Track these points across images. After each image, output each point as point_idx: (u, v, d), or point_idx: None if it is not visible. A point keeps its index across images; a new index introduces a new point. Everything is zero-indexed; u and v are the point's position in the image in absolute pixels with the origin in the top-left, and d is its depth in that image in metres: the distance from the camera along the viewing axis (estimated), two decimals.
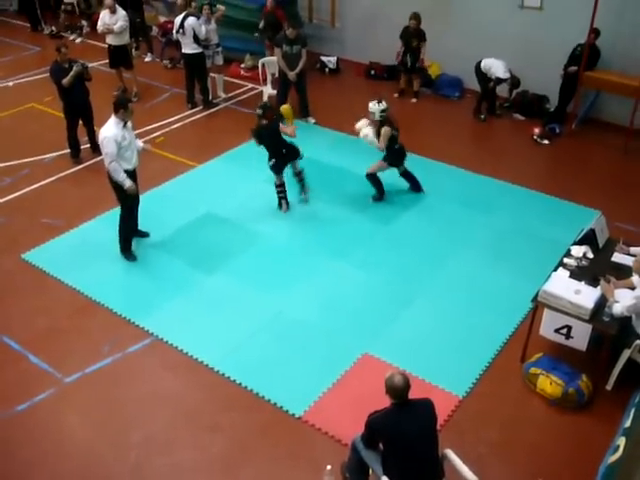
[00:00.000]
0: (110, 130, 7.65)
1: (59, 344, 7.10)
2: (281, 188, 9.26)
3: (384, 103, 9.13)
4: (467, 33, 12.64)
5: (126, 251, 8.32)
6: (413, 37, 12.44)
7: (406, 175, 9.70)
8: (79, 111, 10.42)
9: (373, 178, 9.49)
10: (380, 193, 9.56)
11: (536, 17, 11.86)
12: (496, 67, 11.83)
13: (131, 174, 7.95)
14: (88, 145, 10.79)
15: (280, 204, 9.35)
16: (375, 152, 9.40)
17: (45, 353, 6.95)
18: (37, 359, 6.88)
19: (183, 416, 6.28)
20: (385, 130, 9.10)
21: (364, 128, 9.35)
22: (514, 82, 11.95)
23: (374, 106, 9.13)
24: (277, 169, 9.11)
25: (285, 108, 9.55)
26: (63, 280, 7.99)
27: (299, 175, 9.45)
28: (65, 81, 9.90)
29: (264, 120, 8.88)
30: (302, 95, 11.87)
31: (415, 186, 9.74)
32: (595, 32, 10.64)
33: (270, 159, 9.04)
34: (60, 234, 8.82)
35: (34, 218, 9.19)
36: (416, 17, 12.27)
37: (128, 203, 8.15)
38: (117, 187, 7.93)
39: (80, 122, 10.53)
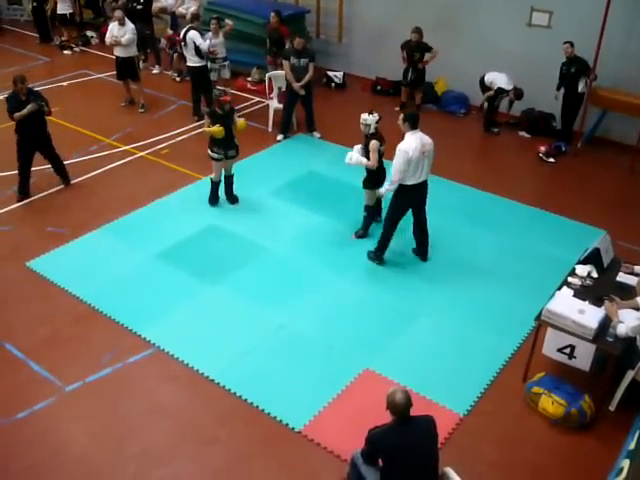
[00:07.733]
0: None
1: (61, 352, 7.09)
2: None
3: (376, 114, 8.47)
4: (474, 50, 12.69)
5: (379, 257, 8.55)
6: (415, 51, 12.48)
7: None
8: (34, 144, 9.74)
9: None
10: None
11: (544, 35, 11.91)
12: (499, 79, 11.91)
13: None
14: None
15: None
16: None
17: (47, 361, 6.93)
18: (38, 367, 6.87)
19: (182, 428, 6.25)
20: (373, 144, 8.38)
21: (348, 153, 8.59)
22: (517, 93, 11.90)
23: (368, 117, 8.41)
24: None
25: (241, 122, 9.57)
26: (66, 288, 7.99)
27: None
28: (16, 115, 9.35)
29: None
30: (308, 109, 11.88)
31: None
32: (570, 43, 10.92)
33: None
34: (65, 243, 8.83)
35: (39, 226, 9.21)
36: (418, 31, 12.33)
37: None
38: None
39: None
